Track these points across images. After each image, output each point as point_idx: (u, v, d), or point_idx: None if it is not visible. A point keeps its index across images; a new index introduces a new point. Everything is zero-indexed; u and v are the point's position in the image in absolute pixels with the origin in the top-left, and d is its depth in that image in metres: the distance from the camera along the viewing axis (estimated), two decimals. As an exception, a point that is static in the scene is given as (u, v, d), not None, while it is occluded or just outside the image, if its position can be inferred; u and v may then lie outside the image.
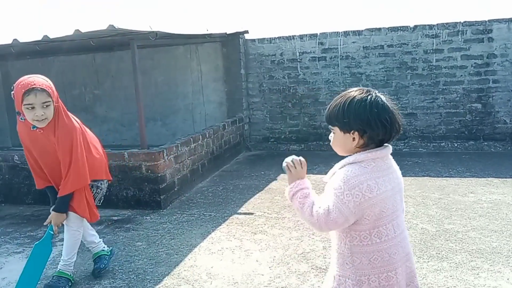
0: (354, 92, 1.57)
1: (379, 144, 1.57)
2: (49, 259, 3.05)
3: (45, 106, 2.69)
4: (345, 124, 1.55)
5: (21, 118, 2.78)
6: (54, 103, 2.75)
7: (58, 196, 2.91)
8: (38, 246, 2.94)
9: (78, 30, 4.46)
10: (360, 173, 1.51)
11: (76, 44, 5.44)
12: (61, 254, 3.07)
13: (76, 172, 2.84)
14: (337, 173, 1.57)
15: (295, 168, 1.66)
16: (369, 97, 1.53)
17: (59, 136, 2.81)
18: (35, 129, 2.78)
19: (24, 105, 2.66)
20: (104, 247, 3.32)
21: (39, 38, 4.81)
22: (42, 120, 2.72)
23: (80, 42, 5.26)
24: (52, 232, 2.93)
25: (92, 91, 8.33)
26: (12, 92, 2.74)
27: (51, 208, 2.95)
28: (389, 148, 1.59)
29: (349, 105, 1.54)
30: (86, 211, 2.96)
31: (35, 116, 2.69)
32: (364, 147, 1.56)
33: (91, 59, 8.13)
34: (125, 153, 4.69)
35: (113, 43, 5.76)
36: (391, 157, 1.62)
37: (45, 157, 2.91)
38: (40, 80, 2.74)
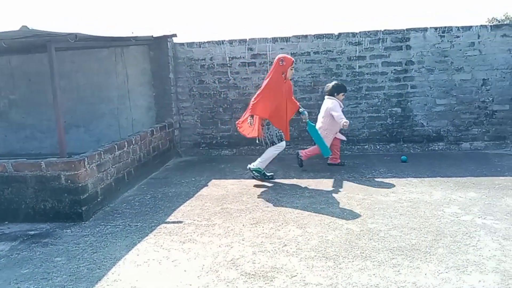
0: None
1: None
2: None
3: None
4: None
5: (283, 75, 5.26)
6: None
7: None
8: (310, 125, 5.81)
9: (-15, 30, 4.10)
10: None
11: (-15, 45, 5.01)
12: None
13: None
14: None
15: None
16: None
17: (289, 84, 5.53)
18: (285, 80, 5.30)
19: (291, 68, 5.32)
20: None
21: None
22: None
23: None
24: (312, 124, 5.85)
25: (8, 96, 7.74)
26: (282, 63, 5.24)
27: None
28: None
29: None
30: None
31: (292, 74, 5.66)
32: None
33: (6, 62, 7.55)
34: (42, 162, 4.37)
35: (28, 45, 5.37)
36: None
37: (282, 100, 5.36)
38: None
